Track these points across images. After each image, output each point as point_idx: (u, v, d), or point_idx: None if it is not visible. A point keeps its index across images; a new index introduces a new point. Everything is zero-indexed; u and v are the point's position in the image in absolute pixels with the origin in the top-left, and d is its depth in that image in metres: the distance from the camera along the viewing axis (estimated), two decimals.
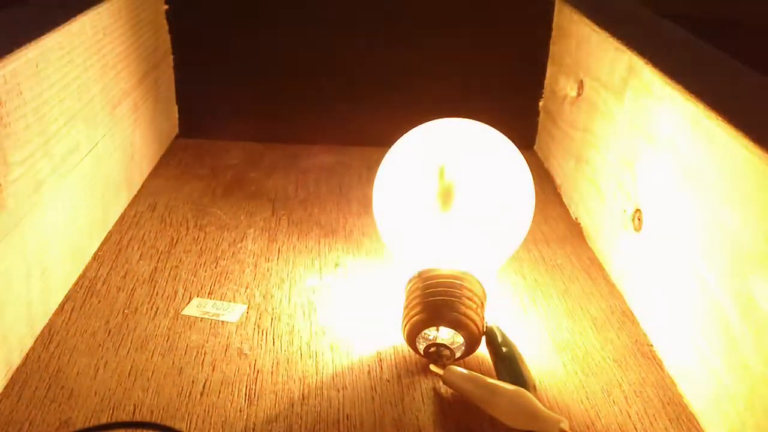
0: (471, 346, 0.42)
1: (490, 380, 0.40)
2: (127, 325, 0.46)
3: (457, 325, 0.41)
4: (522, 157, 0.50)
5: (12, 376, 0.41)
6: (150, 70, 0.65)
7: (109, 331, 0.45)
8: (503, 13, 0.72)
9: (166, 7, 0.70)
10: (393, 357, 0.44)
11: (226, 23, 0.72)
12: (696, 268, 0.40)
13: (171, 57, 0.72)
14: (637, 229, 0.48)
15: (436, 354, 0.42)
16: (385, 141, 0.51)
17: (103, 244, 0.54)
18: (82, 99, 0.50)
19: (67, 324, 0.45)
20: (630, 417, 0.40)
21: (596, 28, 0.58)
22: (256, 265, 0.53)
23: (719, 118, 0.38)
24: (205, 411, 0.39)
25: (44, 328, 0.45)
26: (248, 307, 0.48)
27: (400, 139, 0.51)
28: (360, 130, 0.74)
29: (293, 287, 0.50)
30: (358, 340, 0.45)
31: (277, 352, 0.44)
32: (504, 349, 0.42)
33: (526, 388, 0.40)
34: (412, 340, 0.42)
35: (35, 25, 0.47)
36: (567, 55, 0.66)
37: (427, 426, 0.39)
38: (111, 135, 0.56)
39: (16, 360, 0.42)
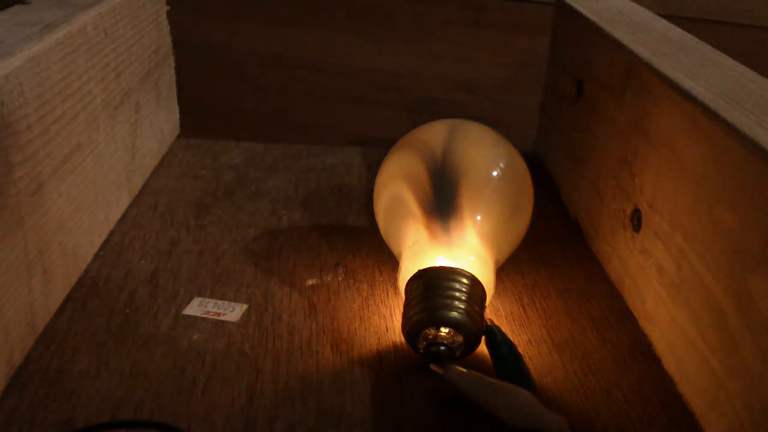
0: (471, 345, 0.42)
1: (490, 380, 0.40)
2: (129, 324, 0.46)
3: (456, 325, 0.41)
4: (521, 157, 0.50)
5: (13, 375, 0.41)
6: (151, 71, 0.66)
7: (111, 331, 0.45)
8: (503, 13, 0.72)
9: (168, 7, 0.70)
10: (393, 356, 0.44)
11: (227, 24, 0.73)
12: (694, 267, 0.40)
13: (172, 57, 0.72)
14: (636, 229, 0.48)
15: (436, 353, 0.42)
16: (386, 141, 0.52)
17: (104, 244, 0.54)
18: (84, 99, 0.50)
19: (68, 324, 0.46)
20: (629, 416, 0.40)
21: (595, 28, 0.58)
22: (256, 265, 0.53)
23: (718, 118, 0.39)
24: (206, 410, 0.39)
25: (46, 327, 0.45)
26: (249, 306, 0.48)
27: (399, 139, 0.52)
28: (360, 130, 0.75)
29: (294, 286, 0.50)
30: (359, 340, 0.45)
31: (278, 351, 0.44)
32: (503, 349, 0.43)
33: (525, 388, 0.40)
34: (412, 339, 0.42)
35: (36, 25, 0.47)
36: (566, 56, 0.67)
37: (427, 425, 0.39)
38: (112, 135, 0.56)
39: (18, 359, 0.42)
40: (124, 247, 0.54)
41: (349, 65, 0.73)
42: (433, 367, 0.41)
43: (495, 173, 0.49)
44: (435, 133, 0.50)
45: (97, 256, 0.53)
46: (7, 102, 0.39)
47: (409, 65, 0.73)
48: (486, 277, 0.44)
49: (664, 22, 0.60)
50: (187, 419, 0.39)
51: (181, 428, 0.38)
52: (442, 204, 0.46)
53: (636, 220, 0.48)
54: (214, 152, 0.71)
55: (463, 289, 0.42)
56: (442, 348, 0.42)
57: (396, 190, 0.48)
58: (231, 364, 0.43)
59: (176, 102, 0.74)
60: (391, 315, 0.48)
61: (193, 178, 0.66)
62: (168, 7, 0.70)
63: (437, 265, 0.44)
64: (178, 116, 0.75)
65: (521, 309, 0.49)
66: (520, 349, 0.44)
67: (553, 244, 0.57)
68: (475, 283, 0.43)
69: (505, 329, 0.46)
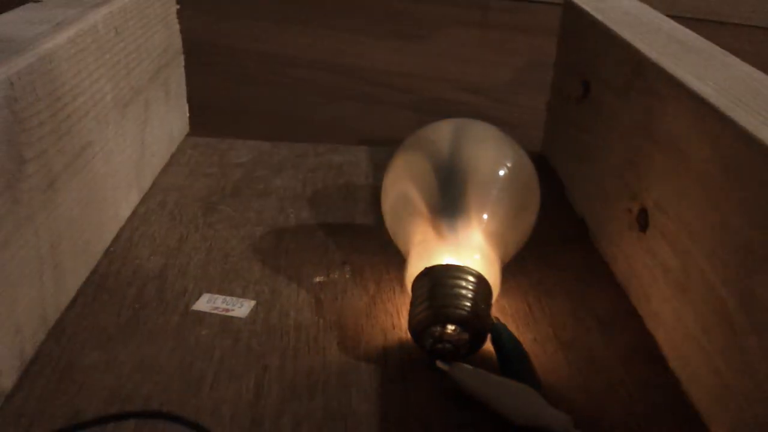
0: (477, 343, 0.42)
1: (495, 377, 0.40)
2: (137, 320, 0.46)
3: (462, 322, 0.42)
4: (528, 156, 0.50)
5: (25, 369, 0.41)
6: (161, 69, 0.66)
7: (120, 326, 0.46)
8: (509, 13, 0.72)
9: (178, 6, 0.71)
10: (399, 353, 0.44)
11: (236, 23, 0.73)
12: (700, 267, 0.41)
13: (182, 56, 0.73)
14: (643, 228, 0.48)
15: (442, 351, 0.42)
16: (392, 140, 0.52)
17: (114, 240, 0.55)
18: (94, 97, 0.50)
19: (78, 318, 0.46)
20: (634, 415, 0.40)
21: (602, 28, 0.58)
22: (264, 262, 0.53)
23: (725, 118, 0.39)
24: (213, 405, 0.40)
25: (56, 322, 0.45)
26: (257, 303, 0.48)
27: (406, 138, 0.52)
28: (367, 130, 0.75)
29: (301, 284, 0.51)
30: (365, 337, 0.46)
31: (284, 348, 0.44)
32: (509, 347, 0.43)
33: (531, 386, 0.40)
34: (418, 337, 0.43)
35: (48, 23, 0.47)
36: (572, 56, 0.67)
37: (432, 423, 0.39)
38: (122, 133, 0.56)
39: (29, 353, 0.42)
40: (134, 243, 0.55)
41: (356, 65, 0.74)
42: (439, 364, 0.42)
43: (501, 172, 0.49)
44: (441, 132, 0.50)
45: (107, 252, 0.53)
46: (20, 99, 0.40)
47: (416, 65, 0.73)
48: (492, 275, 0.44)
49: (671, 22, 0.60)
50: (195, 414, 0.39)
51: (183, 416, 0.38)
52: (448, 203, 0.46)
53: (642, 220, 0.49)
54: (222, 150, 0.72)
55: (470, 287, 0.42)
56: (448, 345, 0.42)
57: (403, 189, 0.48)
58: (238, 360, 0.43)
59: (186, 100, 0.75)
60: (398, 312, 0.48)
61: (201, 176, 0.66)
62: (178, 6, 0.71)
63: (444, 263, 0.44)
64: (187, 115, 0.75)
65: (527, 308, 0.49)
66: (526, 348, 0.44)
67: (558, 243, 0.57)
68: (481, 280, 0.43)
69: (511, 328, 0.46)
